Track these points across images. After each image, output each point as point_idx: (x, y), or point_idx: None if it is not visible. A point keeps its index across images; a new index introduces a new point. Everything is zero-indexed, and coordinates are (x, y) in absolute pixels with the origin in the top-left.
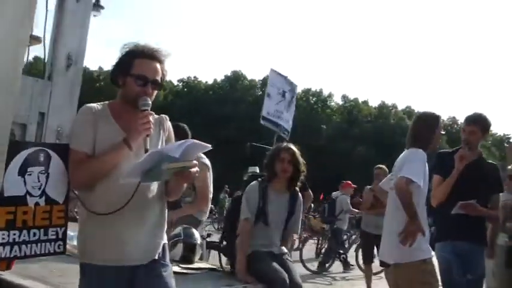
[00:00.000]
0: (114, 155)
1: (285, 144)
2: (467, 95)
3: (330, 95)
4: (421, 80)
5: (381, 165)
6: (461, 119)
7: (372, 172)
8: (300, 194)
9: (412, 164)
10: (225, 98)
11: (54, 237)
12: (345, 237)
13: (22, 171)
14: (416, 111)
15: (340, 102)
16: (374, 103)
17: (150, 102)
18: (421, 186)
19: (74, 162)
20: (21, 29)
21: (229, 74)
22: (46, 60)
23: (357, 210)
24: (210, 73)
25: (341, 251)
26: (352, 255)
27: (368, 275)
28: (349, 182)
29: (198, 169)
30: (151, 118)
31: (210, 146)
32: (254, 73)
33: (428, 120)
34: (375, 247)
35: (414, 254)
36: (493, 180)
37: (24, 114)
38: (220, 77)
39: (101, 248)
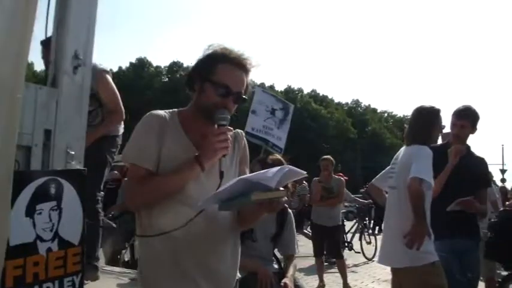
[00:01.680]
0: (182, 175)
1: (270, 157)
2: (369, 77)
3: None
4: (325, 64)
5: (326, 156)
6: (364, 101)
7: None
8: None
9: (422, 163)
10: (131, 86)
11: (70, 287)
12: None
13: (30, 211)
14: (321, 94)
15: None
16: (280, 87)
17: (229, 117)
18: (432, 186)
19: (134, 179)
20: (22, 23)
21: (134, 61)
22: (51, 59)
23: None
24: (115, 60)
25: None
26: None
27: (320, 268)
28: None
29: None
30: (229, 135)
31: (305, 172)
32: (159, 60)
33: (428, 115)
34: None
35: (423, 257)
36: (481, 175)
37: (27, 133)
38: (125, 65)
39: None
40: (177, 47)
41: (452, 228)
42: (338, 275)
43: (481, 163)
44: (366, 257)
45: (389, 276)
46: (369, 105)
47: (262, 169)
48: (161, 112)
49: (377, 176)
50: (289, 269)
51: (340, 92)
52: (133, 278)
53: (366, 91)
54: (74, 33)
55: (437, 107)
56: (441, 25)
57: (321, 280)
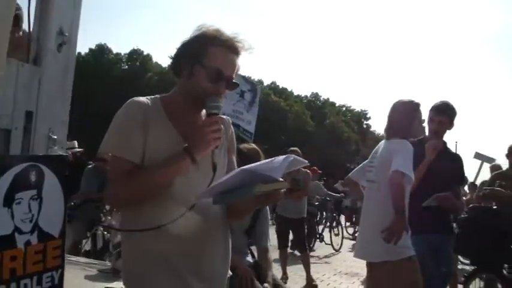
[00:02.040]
0: (172, 169)
1: (243, 145)
2: (328, 70)
3: None
4: (285, 56)
5: (294, 148)
6: (323, 95)
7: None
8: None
9: (402, 156)
10: (90, 72)
11: (49, 284)
12: None
13: (9, 200)
14: (281, 86)
15: None
16: None
17: (222, 104)
18: (412, 181)
19: (118, 174)
20: None
21: (93, 47)
22: (34, 35)
23: None
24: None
25: None
26: None
27: (284, 260)
28: None
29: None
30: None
31: (307, 161)
32: (120, 47)
33: (406, 109)
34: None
35: (401, 252)
36: (456, 171)
37: (6, 115)
38: (84, 50)
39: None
40: (138, 34)
41: (427, 224)
42: (301, 267)
43: (457, 159)
44: (334, 249)
45: (351, 269)
46: (328, 98)
47: (238, 158)
48: (143, 99)
49: (354, 170)
50: (268, 271)
51: (300, 84)
52: (102, 270)
53: (325, 84)
54: (59, 7)
55: (416, 100)
56: (398, 21)
57: (284, 272)
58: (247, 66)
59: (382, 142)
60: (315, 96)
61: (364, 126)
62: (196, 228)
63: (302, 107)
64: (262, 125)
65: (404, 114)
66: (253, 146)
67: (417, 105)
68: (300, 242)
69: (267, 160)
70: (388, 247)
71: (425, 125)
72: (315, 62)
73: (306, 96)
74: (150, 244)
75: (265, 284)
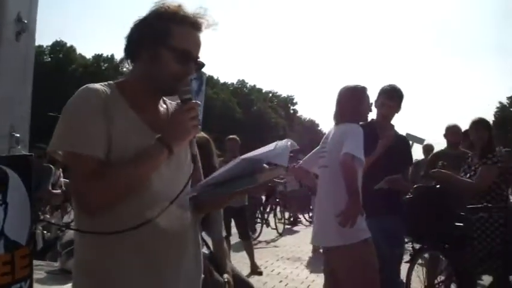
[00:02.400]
0: (150, 163)
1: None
2: (254, 57)
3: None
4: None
5: (232, 136)
6: (250, 82)
7: None
8: None
9: (353, 140)
10: None
11: None
12: None
13: None
14: (207, 74)
15: None
16: None
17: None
18: (363, 163)
19: (84, 175)
20: None
21: None
22: None
23: None
24: None
25: None
26: None
27: (227, 248)
28: None
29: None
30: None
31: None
32: (42, 39)
33: (353, 94)
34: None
35: (356, 235)
36: (404, 153)
37: None
38: None
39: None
40: (61, 25)
41: (379, 206)
42: (245, 254)
43: (405, 142)
44: (278, 233)
45: (292, 254)
46: (255, 85)
47: None
48: (99, 86)
49: (305, 158)
50: (226, 262)
51: (226, 72)
52: (50, 271)
53: (252, 71)
54: None
55: (362, 85)
56: (329, 5)
57: (229, 260)
58: None
59: (332, 127)
60: (242, 83)
61: (291, 111)
62: (176, 224)
63: (229, 95)
64: None
65: (352, 99)
66: (203, 134)
67: (364, 89)
68: (242, 230)
69: (268, 146)
70: (343, 231)
71: (373, 107)
72: (240, 49)
73: (233, 84)
74: (124, 246)
75: (225, 275)
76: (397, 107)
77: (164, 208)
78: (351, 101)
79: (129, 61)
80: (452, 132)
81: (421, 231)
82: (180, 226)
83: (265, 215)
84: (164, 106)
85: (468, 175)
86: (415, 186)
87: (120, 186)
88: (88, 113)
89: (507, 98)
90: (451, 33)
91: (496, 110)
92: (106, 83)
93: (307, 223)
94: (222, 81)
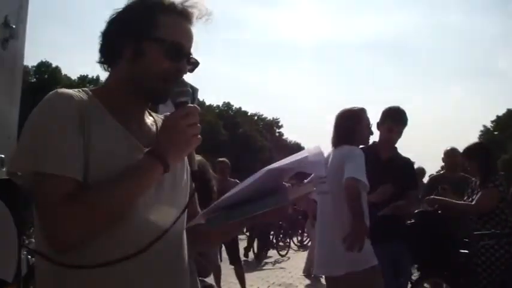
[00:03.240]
0: (141, 183)
1: None
2: (240, 80)
3: None
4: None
5: (222, 159)
6: (236, 104)
7: None
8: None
9: (355, 163)
10: None
11: None
12: None
13: None
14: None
15: None
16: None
17: (190, 89)
18: (367, 187)
19: (56, 200)
20: None
21: None
22: None
23: None
24: None
25: None
26: None
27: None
28: None
29: None
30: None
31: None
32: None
33: (350, 115)
34: None
35: (365, 261)
36: (409, 176)
37: None
38: None
39: None
40: (46, 47)
41: (384, 232)
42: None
43: (408, 165)
44: (280, 254)
45: (283, 280)
46: (240, 107)
47: None
48: (72, 92)
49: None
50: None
51: (211, 94)
52: None
53: (237, 94)
54: None
55: (358, 107)
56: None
57: (219, 286)
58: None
59: (331, 151)
60: (227, 105)
61: (277, 134)
62: (169, 259)
63: (215, 117)
64: None
65: (351, 121)
66: (200, 157)
67: (362, 110)
68: (233, 255)
69: (298, 154)
70: (351, 258)
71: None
72: (225, 72)
73: (218, 106)
74: (104, 283)
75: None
76: (402, 131)
77: (155, 239)
78: (349, 123)
79: (105, 66)
80: (451, 155)
81: (424, 258)
82: (174, 262)
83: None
84: (151, 118)
85: (471, 199)
86: (416, 211)
87: (102, 214)
88: (60, 124)
89: (491, 121)
90: (433, 58)
91: (480, 133)
92: (80, 89)
93: (296, 247)
94: (207, 103)
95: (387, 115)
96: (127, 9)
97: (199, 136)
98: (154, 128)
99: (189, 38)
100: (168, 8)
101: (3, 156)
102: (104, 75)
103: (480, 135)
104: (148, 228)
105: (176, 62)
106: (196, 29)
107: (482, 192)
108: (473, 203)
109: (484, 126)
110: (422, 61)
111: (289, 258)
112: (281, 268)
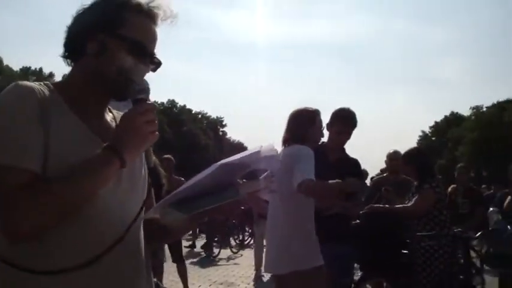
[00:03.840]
0: (98, 178)
1: None
2: (185, 77)
3: None
4: None
5: (167, 156)
6: (180, 102)
7: None
8: None
9: (305, 163)
10: None
11: None
12: None
13: None
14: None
15: None
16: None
17: (149, 87)
18: None
19: (11, 190)
20: None
21: None
22: None
23: None
24: None
25: None
26: None
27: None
28: None
29: None
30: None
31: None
32: None
33: (304, 116)
34: None
35: (310, 261)
36: (357, 177)
37: None
38: None
39: None
40: None
41: (329, 233)
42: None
43: (356, 166)
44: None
45: (225, 279)
46: (185, 105)
47: None
48: (33, 84)
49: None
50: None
51: (156, 91)
52: None
53: (182, 91)
54: None
55: (313, 108)
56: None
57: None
58: None
59: (281, 151)
60: (172, 103)
61: (220, 133)
62: (128, 259)
63: (159, 114)
64: None
65: (305, 122)
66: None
67: (316, 111)
68: (176, 253)
69: (251, 150)
70: (297, 257)
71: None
72: (171, 69)
73: (163, 103)
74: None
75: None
76: (352, 133)
77: (117, 240)
78: (302, 123)
79: (69, 61)
80: (393, 158)
81: (366, 258)
82: (134, 261)
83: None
84: (110, 114)
85: (409, 202)
86: (361, 212)
87: (55, 206)
88: (20, 115)
89: (429, 127)
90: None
91: (418, 138)
92: (41, 82)
93: (237, 247)
94: (152, 99)
95: (337, 117)
96: (94, 6)
97: (156, 133)
98: (113, 124)
99: (152, 38)
100: (134, 7)
101: None
102: (48, 68)
103: (418, 141)
104: (106, 224)
105: (138, 60)
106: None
107: (418, 195)
108: (410, 205)
109: (423, 131)
110: (370, 65)
111: (241, 255)
112: (225, 265)
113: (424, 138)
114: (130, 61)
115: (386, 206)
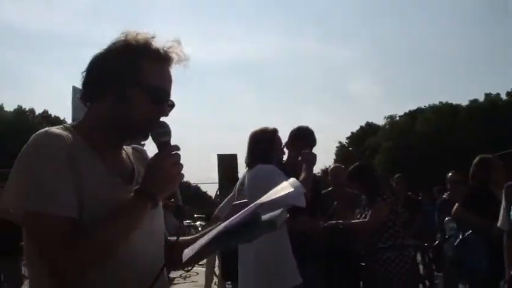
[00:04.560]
0: (132, 219)
1: None
2: None
3: None
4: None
5: None
6: None
7: None
8: None
9: (279, 180)
10: None
11: None
12: None
13: None
14: (53, 115)
15: None
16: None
17: (171, 129)
18: None
19: (54, 239)
20: None
21: None
22: None
23: None
24: None
25: None
26: None
27: None
28: None
29: None
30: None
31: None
32: None
33: (266, 136)
34: None
35: (284, 282)
36: (317, 194)
37: None
38: None
39: None
40: None
41: (299, 253)
42: None
43: (317, 183)
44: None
45: None
46: None
47: None
48: (60, 130)
49: (220, 206)
50: None
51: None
52: None
53: None
54: None
55: (271, 127)
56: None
57: None
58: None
59: (245, 172)
60: None
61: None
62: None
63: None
64: None
65: (266, 142)
66: None
67: (276, 130)
68: None
69: (282, 187)
70: (270, 278)
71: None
72: None
73: None
74: None
75: None
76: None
77: (158, 273)
78: (263, 144)
79: (86, 102)
80: (336, 173)
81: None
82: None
83: None
84: (124, 152)
85: (363, 216)
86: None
87: (99, 250)
88: (54, 164)
89: (346, 138)
90: (291, 82)
91: (336, 149)
92: (62, 126)
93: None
94: None
95: (296, 136)
96: (111, 51)
97: (182, 172)
98: (129, 161)
99: (169, 81)
100: (152, 54)
101: None
102: None
103: (336, 151)
104: (140, 258)
105: (158, 106)
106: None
107: (372, 209)
108: (366, 219)
109: (340, 142)
110: (281, 84)
111: (197, 273)
112: (181, 284)
113: (341, 148)
114: (151, 107)
115: (341, 221)
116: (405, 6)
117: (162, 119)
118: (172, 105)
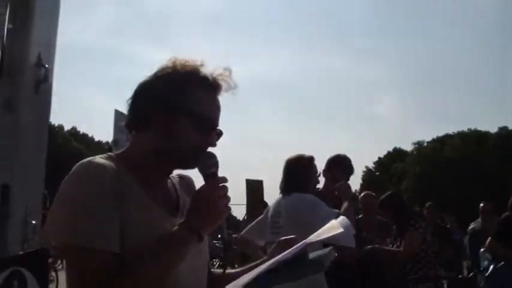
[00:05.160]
0: (176, 253)
1: None
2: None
3: None
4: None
5: None
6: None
7: None
8: None
9: (322, 210)
10: None
11: None
12: None
13: None
14: (81, 132)
15: None
16: None
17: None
18: None
19: (97, 275)
20: None
21: None
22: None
23: None
24: None
25: None
26: None
27: None
28: None
29: None
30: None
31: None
32: None
33: (304, 164)
34: None
35: None
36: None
37: None
38: None
39: None
40: None
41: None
42: None
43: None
44: None
45: None
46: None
47: None
48: (103, 161)
49: (247, 228)
50: None
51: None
52: None
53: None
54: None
55: (307, 155)
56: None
57: None
58: None
59: (280, 199)
60: (115, 142)
61: None
62: None
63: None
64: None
65: (303, 169)
66: None
67: (312, 158)
68: None
69: (331, 226)
70: None
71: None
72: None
73: (107, 143)
74: None
75: None
76: (349, 179)
77: None
78: (303, 172)
79: (131, 130)
80: (368, 201)
81: None
82: None
83: None
84: (169, 180)
85: (396, 246)
86: (363, 249)
87: (146, 282)
88: (98, 195)
89: (373, 162)
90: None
91: (362, 174)
92: (106, 155)
93: None
94: (96, 139)
95: (334, 163)
96: (158, 79)
97: (229, 205)
98: (174, 191)
99: (218, 109)
100: (199, 81)
101: (34, 222)
102: None
103: (363, 176)
104: None
105: (207, 136)
106: None
107: (405, 239)
108: (401, 249)
109: (367, 167)
110: (307, 103)
111: None
112: None
113: (368, 173)
114: (200, 137)
115: (378, 246)
116: (437, 27)
117: (210, 149)
118: (220, 134)
